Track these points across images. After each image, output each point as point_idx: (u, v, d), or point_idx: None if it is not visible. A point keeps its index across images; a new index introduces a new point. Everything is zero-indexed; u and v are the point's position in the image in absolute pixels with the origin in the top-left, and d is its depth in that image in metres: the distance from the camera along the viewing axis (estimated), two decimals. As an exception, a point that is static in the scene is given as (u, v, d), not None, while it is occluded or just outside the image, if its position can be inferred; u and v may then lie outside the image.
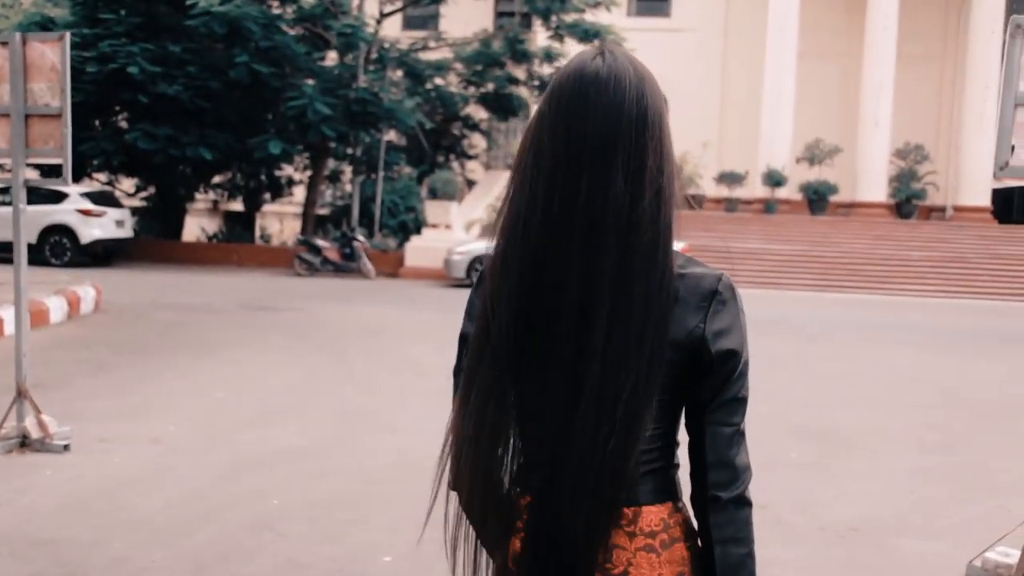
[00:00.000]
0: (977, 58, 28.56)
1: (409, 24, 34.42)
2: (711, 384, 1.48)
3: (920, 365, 11.06)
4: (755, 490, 1.48)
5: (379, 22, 25.66)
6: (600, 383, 1.41)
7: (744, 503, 1.48)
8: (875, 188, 28.84)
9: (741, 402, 1.50)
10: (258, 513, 4.94)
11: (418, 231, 24.45)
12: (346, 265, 22.41)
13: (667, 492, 1.51)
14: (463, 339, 1.65)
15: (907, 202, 28.97)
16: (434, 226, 23.69)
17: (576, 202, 1.43)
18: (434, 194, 23.79)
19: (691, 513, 1.53)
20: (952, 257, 24.11)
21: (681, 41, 32.53)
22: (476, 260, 20.62)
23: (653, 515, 1.48)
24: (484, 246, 21.18)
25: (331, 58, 25.97)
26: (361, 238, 22.78)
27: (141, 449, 6.11)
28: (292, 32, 24.83)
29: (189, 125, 23.15)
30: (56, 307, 12.00)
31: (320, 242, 22.81)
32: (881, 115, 28.59)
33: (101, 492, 5.22)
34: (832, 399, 8.53)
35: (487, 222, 24.60)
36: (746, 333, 1.51)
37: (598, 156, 1.44)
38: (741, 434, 1.50)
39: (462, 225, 24.29)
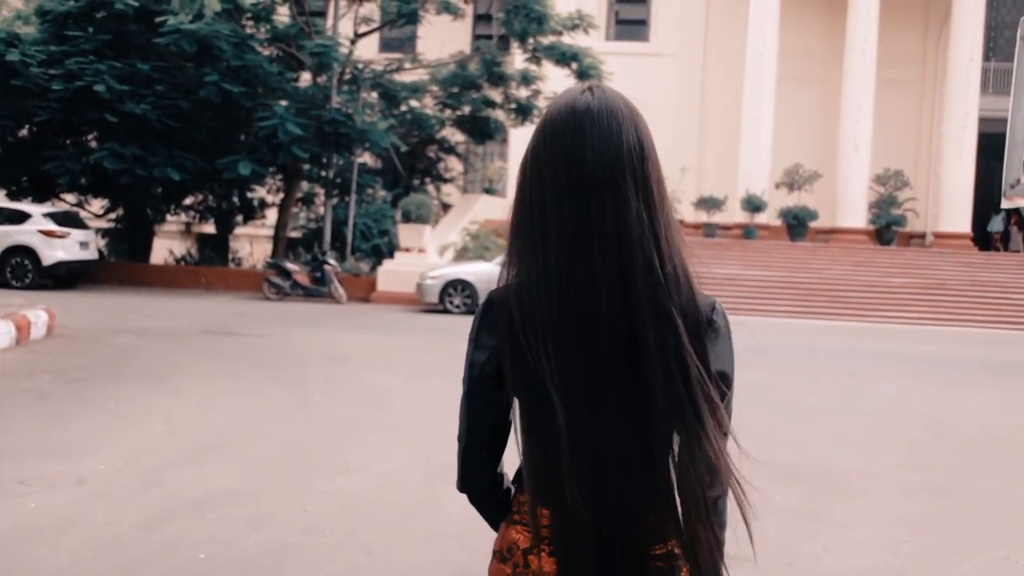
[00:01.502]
0: (956, 83, 28.38)
1: (386, 46, 34.08)
2: (709, 401, 1.54)
3: (904, 396, 10.62)
4: (739, 542, 1.60)
5: (353, 42, 25.22)
6: (642, 399, 1.51)
7: (725, 494, 1.61)
8: (855, 214, 28.54)
9: (729, 415, 1.60)
10: (178, 569, 4.41)
11: (391, 255, 23.95)
12: (316, 289, 21.86)
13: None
14: (472, 366, 1.68)
15: (887, 228, 28.68)
16: (407, 250, 23.19)
17: (590, 226, 1.51)
18: (408, 217, 23.31)
19: None
20: (933, 284, 23.78)
21: (660, 66, 32.27)
22: (449, 285, 20.14)
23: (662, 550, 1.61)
24: (458, 271, 20.83)
25: (305, 79, 25.51)
26: (332, 261, 22.26)
27: (62, 492, 5.56)
28: (265, 52, 24.39)
29: (157, 145, 22.61)
30: (2, 332, 11.41)
31: (290, 265, 22.27)
32: (860, 140, 28.34)
33: (3, 543, 4.67)
34: (815, 434, 8.06)
35: (461, 246, 24.12)
36: (733, 360, 1.62)
37: (606, 182, 1.52)
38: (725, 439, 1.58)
39: (436, 249, 23.81)
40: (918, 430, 8.50)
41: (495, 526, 1.76)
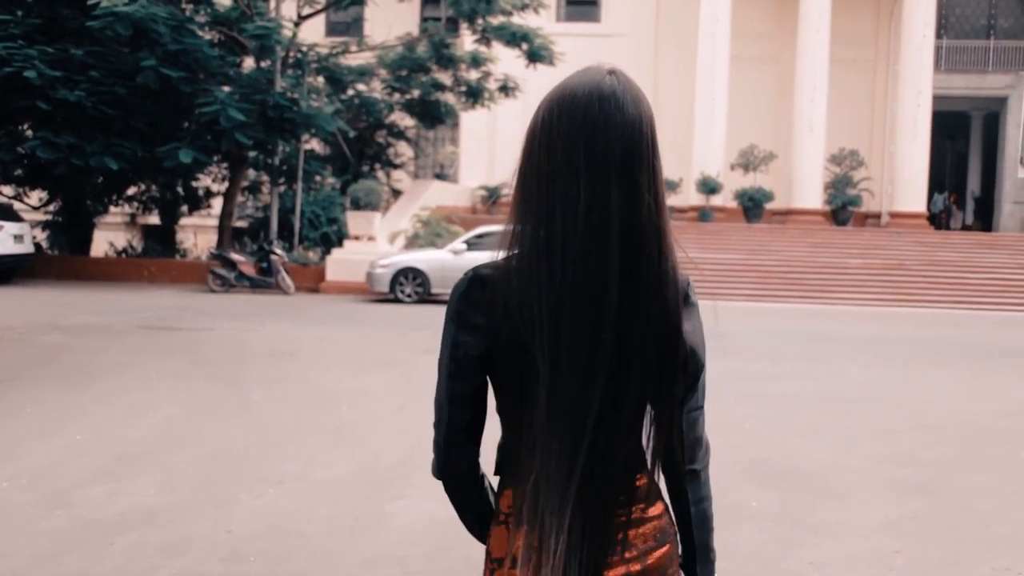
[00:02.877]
0: (909, 61, 28.17)
1: (332, 30, 33.26)
2: (685, 377, 1.60)
3: (874, 382, 10.21)
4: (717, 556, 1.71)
5: (297, 25, 24.43)
6: (642, 382, 1.54)
7: (707, 467, 1.70)
8: (811, 195, 28.28)
9: (703, 387, 1.67)
10: (77, 610, 3.82)
11: (341, 244, 23.26)
12: (263, 280, 21.17)
13: (653, 497, 1.63)
14: (456, 346, 1.61)
15: (843, 209, 28.48)
16: (356, 238, 22.53)
17: (609, 210, 1.51)
18: (356, 204, 22.63)
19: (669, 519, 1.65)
20: (891, 264, 23.56)
21: (611, 47, 31.71)
22: (400, 273, 19.54)
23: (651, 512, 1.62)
24: (409, 258, 20.20)
25: (249, 65, 24.67)
26: (279, 251, 21.56)
27: (-44, 516, 4.92)
28: (206, 36, 23.53)
29: (94, 133, 21.70)
30: (-82, 333, 10.66)
31: (235, 256, 21.53)
32: (815, 120, 28.05)
33: None
34: (786, 427, 7.59)
35: (412, 234, 23.48)
36: (703, 330, 1.65)
37: (625, 169, 1.53)
38: (703, 412, 1.68)
39: (386, 237, 23.18)
40: (894, 419, 8.06)
41: (470, 522, 1.76)
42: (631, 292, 1.52)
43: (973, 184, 35.41)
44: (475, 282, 1.59)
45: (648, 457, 1.59)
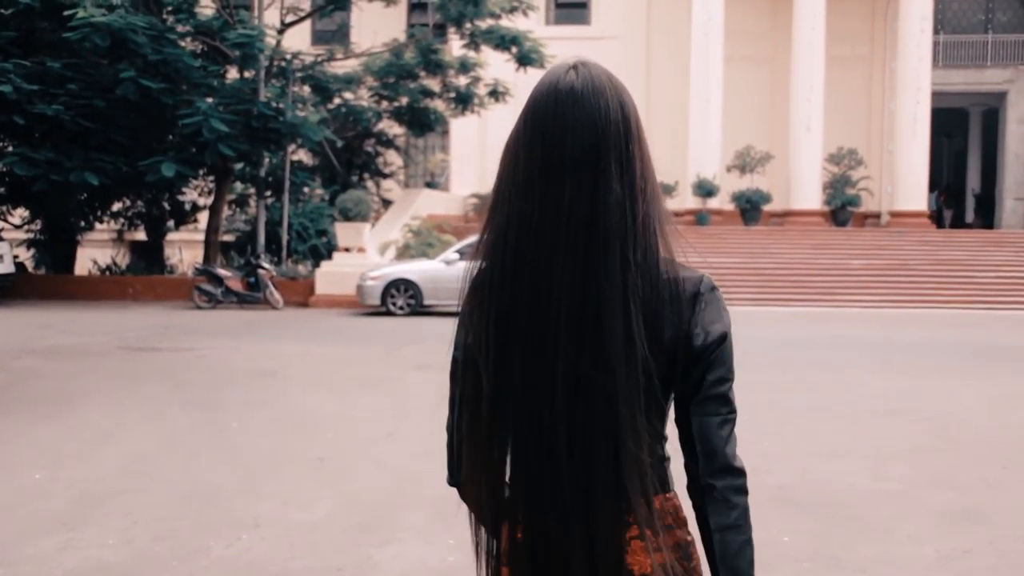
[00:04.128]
0: (907, 57, 27.64)
1: (318, 39, 32.71)
2: (696, 377, 1.51)
3: (892, 391, 9.63)
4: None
5: (281, 32, 23.86)
6: (603, 389, 1.44)
7: (739, 491, 1.50)
8: (809, 195, 27.71)
9: (727, 393, 1.53)
10: None
11: (330, 256, 22.66)
12: (251, 295, 20.55)
13: (657, 484, 1.50)
14: (454, 347, 1.61)
15: (842, 209, 27.93)
16: (346, 250, 21.93)
17: (560, 211, 1.45)
18: (345, 215, 22.02)
19: (679, 503, 1.54)
20: (895, 265, 23.00)
21: (602, 49, 31.16)
22: (392, 285, 18.94)
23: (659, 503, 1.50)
24: (400, 270, 19.60)
25: (233, 76, 24.08)
26: (267, 265, 20.95)
27: None
28: (189, 47, 22.95)
29: (73, 148, 21.10)
30: None
31: (221, 271, 20.92)
32: (812, 119, 27.51)
33: None
34: (808, 446, 7.00)
35: (403, 244, 22.88)
36: (730, 322, 1.55)
37: (587, 165, 1.46)
38: (729, 422, 1.53)
39: (377, 248, 22.57)
40: (919, 435, 7.48)
41: (486, 521, 1.63)
42: (596, 295, 1.44)
43: (973, 181, 34.89)
44: (469, 286, 1.58)
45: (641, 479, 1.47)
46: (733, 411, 1.54)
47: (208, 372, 11.08)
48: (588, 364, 1.44)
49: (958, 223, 32.95)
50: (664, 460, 1.56)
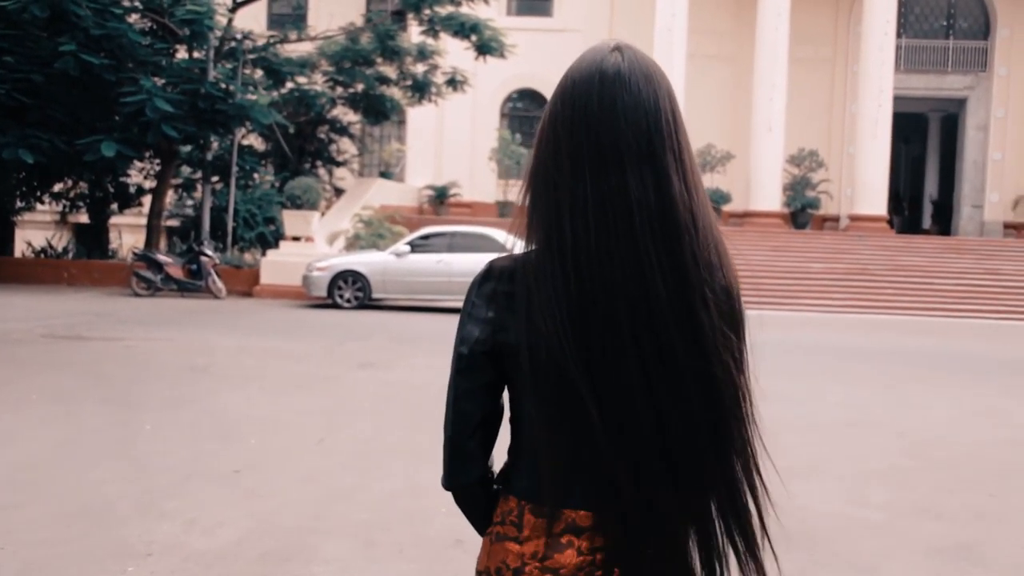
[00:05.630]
0: (870, 60, 27.29)
1: (274, 23, 31.80)
2: None
3: (860, 403, 9.10)
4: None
5: (233, 11, 22.99)
6: (708, 378, 1.42)
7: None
8: (769, 196, 27.30)
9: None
10: None
11: (277, 245, 21.84)
12: (192, 283, 19.71)
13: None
14: (464, 340, 1.50)
15: (802, 211, 27.61)
16: (294, 239, 21.13)
17: (627, 202, 1.40)
18: (294, 203, 21.23)
19: None
20: (855, 269, 22.64)
21: (564, 42, 30.53)
22: (339, 277, 18.19)
23: None
24: (348, 261, 18.84)
25: (182, 55, 23.13)
26: (210, 252, 20.10)
27: None
28: (138, 24, 21.99)
29: (7, 123, 20.08)
30: None
31: (161, 257, 20.05)
32: (774, 120, 27.09)
33: None
34: (780, 462, 6.40)
35: (353, 234, 22.12)
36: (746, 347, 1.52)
37: (642, 154, 1.42)
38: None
39: (325, 238, 21.80)
40: (895, 452, 6.94)
41: (481, 529, 1.60)
42: (682, 289, 1.41)
43: (931, 187, 34.74)
44: (489, 274, 1.51)
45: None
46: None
47: (133, 365, 10.33)
48: (691, 354, 1.40)
49: (912, 229, 32.73)
50: None
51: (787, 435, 7.18)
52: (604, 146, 1.41)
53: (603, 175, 1.41)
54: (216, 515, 4.92)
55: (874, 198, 27.23)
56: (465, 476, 1.55)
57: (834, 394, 9.49)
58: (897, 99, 28.33)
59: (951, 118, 33.02)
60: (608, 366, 1.40)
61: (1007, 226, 29.68)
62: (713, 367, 1.41)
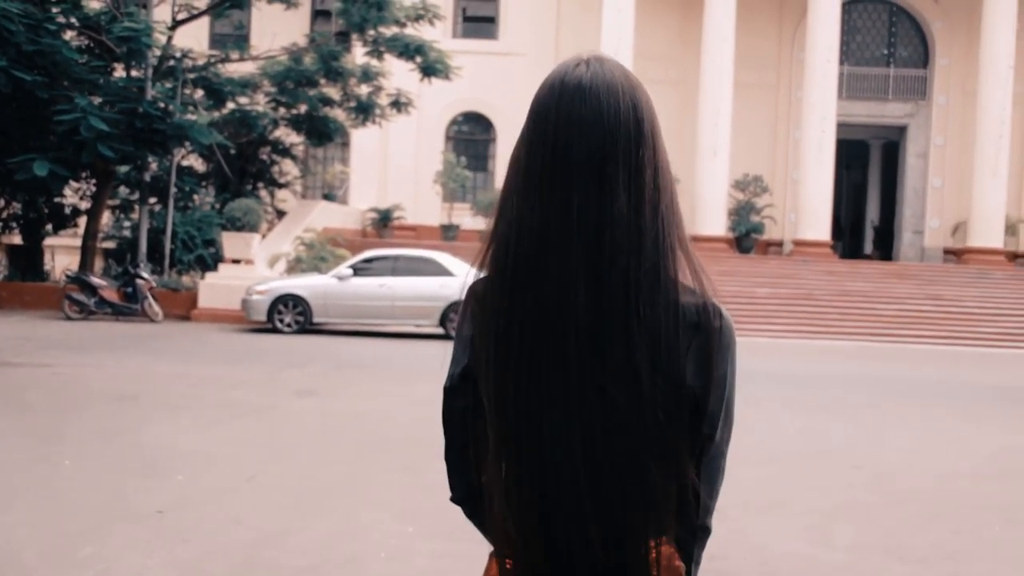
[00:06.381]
0: (813, 86, 27.45)
1: (216, 43, 31.18)
2: (709, 419, 1.44)
3: (818, 432, 8.92)
4: None
5: (172, 29, 22.46)
6: (619, 408, 1.37)
7: (708, 532, 1.52)
8: (715, 221, 27.28)
9: (714, 436, 1.46)
10: None
11: (216, 267, 21.30)
12: (127, 307, 19.11)
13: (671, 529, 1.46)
14: (452, 362, 1.52)
15: (747, 236, 27.65)
16: (233, 261, 20.63)
17: (568, 219, 1.37)
18: (234, 224, 20.73)
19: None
20: (800, 294, 22.65)
21: (510, 66, 30.53)
22: (279, 300, 17.74)
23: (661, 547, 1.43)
24: (289, 284, 18.38)
25: (121, 74, 22.54)
26: (146, 275, 19.52)
27: None
28: (74, 42, 21.42)
29: (-68, 141, 19.41)
30: None
31: (95, 280, 19.44)
32: (719, 144, 27.14)
33: None
34: (737, 497, 6.13)
35: (294, 257, 21.66)
36: (735, 370, 1.47)
37: (593, 169, 1.37)
38: (715, 469, 1.49)
39: (266, 260, 21.31)
40: (857, 484, 6.72)
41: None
42: (599, 313, 1.36)
43: (872, 213, 35.06)
44: (468, 294, 1.50)
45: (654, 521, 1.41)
46: (719, 469, 1.50)
47: (60, 394, 9.84)
48: (606, 380, 1.36)
49: (854, 254, 32.96)
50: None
51: (744, 468, 6.92)
52: (557, 161, 1.37)
53: (552, 192, 1.37)
54: (134, 564, 4.53)
55: (818, 223, 27.33)
56: (458, 491, 1.57)
57: (788, 422, 9.29)
58: (839, 126, 28.53)
59: (892, 145, 33.38)
60: (521, 387, 1.38)
61: (947, 252, 29.98)
62: (626, 397, 1.35)
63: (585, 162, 1.36)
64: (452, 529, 4.67)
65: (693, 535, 1.47)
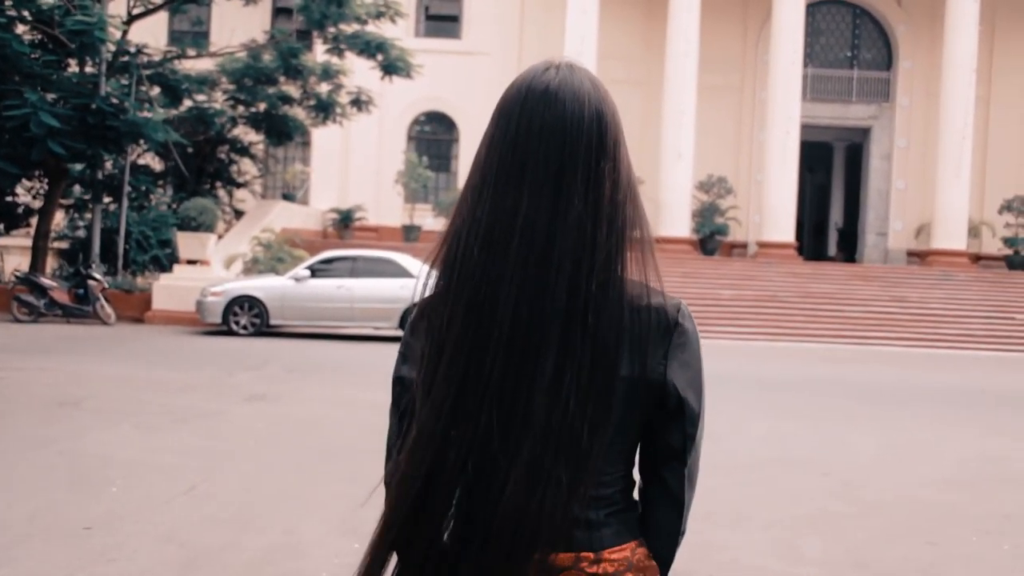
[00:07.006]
0: (777, 88, 27.35)
1: (175, 40, 30.60)
2: (671, 426, 1.42)
3: (782, 438, 8.67)
4: None
5: (127, 23, 21.95)
6: (549, 424, 1.33)
7: (684, 533, 1.50)
8: (678, 222, 27.10)
9: (698, 442, 1.45)
10: None
11: (171, 268, 20.81)
12: (78, 308, 18.60)
13: (629, 532, 1.44)
14: (398, 382, 1.47)
15: (711, 237, 27.50)
16: (189, 262, 20.16)
17: (513, 223, 1.34)
18: (188, 224, 20.26)
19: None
20: (764, 296, 22.51)
21: (473, 65, 30.26)
22: (235, 302, 17.32)
23: (616, 555, 1.40)
24: (245, 286, 17.94)
25: (75, 70, 21.98)
26: (98, 276, 19.02)
27: None
28: (26, 36, 20.85)
29: None
30: None
31: (45, 281, 18.92)
32: (683, 146, 26.97)
33: None
34: (701, 508, 5.87)
35: (251, 258, 21.21)
36: (702, 368, 1.46)
37: (549, 175, 1.35)
38: (695, 470, 1.47)
39: (222, 261, 20.85)
40: (824, 493, 6.47)
41: None
42: (538, 322, 1.32)
43: (836, 215, 35.09)
44: (419, 310, 1.45)
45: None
46: (690, 474, 1.46)
47: (3, 398, 9.40)
48: (520, 394, 1.33)
49: (817, 256, 32.95)
50: (632, 508, 1.46)
51: (708, 477, 6.64)
52: (514, 163, 1.35)
53: (504, 193, 1.35)
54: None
55: (782, 225, 27.23)
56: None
57: (753, 428, 9.04)
58: (803, 127, 28.47)
59: (855, 147, 33.40)
60: (448, 394, 1.34)
61: (911, 254, 30.00)
62: (556, 412, 1.32)
63: (542, 167, 1.34)
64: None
65: (669, 538, 1.47)
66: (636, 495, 1.49)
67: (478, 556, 1.35)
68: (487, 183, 1.36)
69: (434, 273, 1.43)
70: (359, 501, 5.61)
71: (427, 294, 1.44)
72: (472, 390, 1.33)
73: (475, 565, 1.35)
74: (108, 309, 18.76)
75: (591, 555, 1.38)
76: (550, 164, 1.34)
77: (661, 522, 1.46)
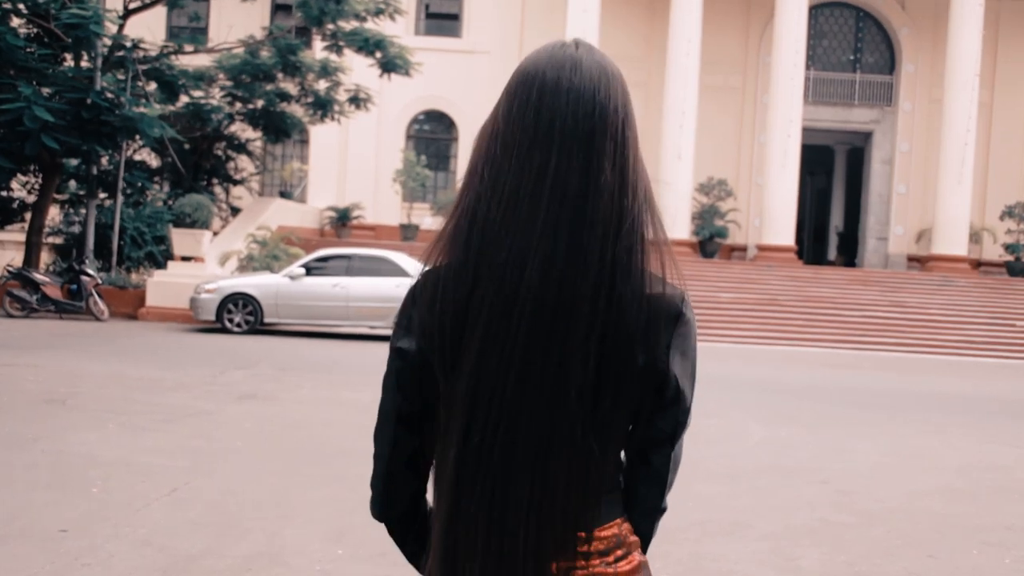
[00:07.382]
0: (779, 90, 27.17)
1: (173, 36, 30.45)
2: (665, 412, 1.43)
3: (781, 442, 8.51)
4: None
5: (124, 18, 21.79)
6: (581, 392, 1.32)
7: (665, 510, 1.52)
8: (679, 225, 26.94)
9: (685, 426, 1.47)
10: None
11: (166, 265, 20.65)
12: (72, 304, 18.44)
13: (616, 510, 1.45)
14: (399, 353, 1.41)
15: (710, 240, 27.36)
16: (183, 259, 20.00)
17: (542, 185, 1.32)
18: (184, 221, 20.09)
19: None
20: (764, 300, 22.35)
21: (473, 63, 30.11)
22: (229, 299, 17.15)
23: (605, 533, 1.41)
24: (239, 283, 17.76)
25: (71, 63, 21.82)
26: (91, 272, 18.85)
27: None
28: (24, 30, 20.70)
29: None
30: None
31: (38, 276, 18.75)
32: (684, 147, 26.81)
33: None
34: (698, 516, 5.71)
35: (246, 255, 21.04)
36: (697, 358, 1.46)
37: (580, 138, 1.33)
38: (679, 452, 1.49)
39: (217, 258, 20.68)
40: (825, 503, 6.31)
41: (412, 556, 1.52)
42: (566, 283, 1.30)
43: (836, 219, 34.94)
44: (421, 282, 1.41)
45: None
46: (676, 456, 1.49)
47: (-15, 395, 9.24)
48: (549, 360, 1.30)
49: (817, 260, 32.82)
50: (619, 487, 1.47)
51: (704, 484, 6.50)
52: (540, 125, 1.33)
53: (530, 155, 1.32)
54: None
55: (782, 228, 27.08)
56: (395, 508, 1.51)
57: (754, 433, 8.88)
58: (804, 131, 28.32)
59: (857, 151, 33.25)
60: (475, 365, 1.32)
61: (911, 259, 29.86)
62: (580, 376, 1.31)
63: (571, 130, 1.32)
64: (384, 551, 4.22)
65: (652, 515, 1.49)
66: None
67: (500, 524, 1.34)
68: (509, 149, 1.34)
69: (440, 245, 1.39)
70: (346, 506, 5.46)
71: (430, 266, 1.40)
72: (496, 355, 1.31)
73: (497, 533, 1.34)
74: (101, 305, 18.60)
75: (583, 534, 1.38)
76: (581, 125, 1.33)
77: (645, 500, 1.48)
